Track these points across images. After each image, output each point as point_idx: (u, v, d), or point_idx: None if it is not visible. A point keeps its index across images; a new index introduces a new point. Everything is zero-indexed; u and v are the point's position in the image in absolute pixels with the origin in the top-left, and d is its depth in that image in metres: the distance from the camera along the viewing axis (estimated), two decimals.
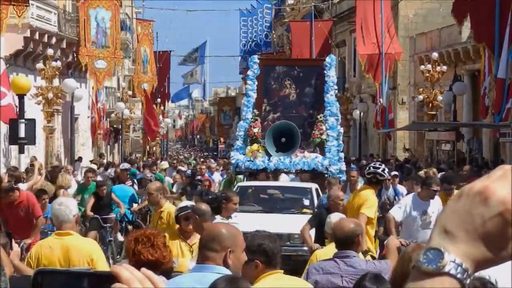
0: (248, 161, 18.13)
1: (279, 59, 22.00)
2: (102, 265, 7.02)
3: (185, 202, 9.41)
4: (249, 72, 19.94)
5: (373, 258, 10.15)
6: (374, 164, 12.82)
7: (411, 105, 41.79)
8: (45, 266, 6.94)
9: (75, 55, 38.03)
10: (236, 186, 17.07)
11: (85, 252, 7.04)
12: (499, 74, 23.71)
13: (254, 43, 64.66)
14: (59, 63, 31.65)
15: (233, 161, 18.85)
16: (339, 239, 6.79)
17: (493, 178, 1.44)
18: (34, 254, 7.19)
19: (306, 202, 16.01)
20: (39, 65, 30.91)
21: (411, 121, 38.82)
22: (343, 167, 18.59)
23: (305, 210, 15.55)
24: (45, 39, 34.07)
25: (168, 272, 6.53)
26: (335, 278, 6.65)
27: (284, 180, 18.92)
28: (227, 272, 4.53)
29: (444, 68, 32.71)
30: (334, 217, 8.18)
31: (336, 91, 19.63)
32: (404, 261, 5.29)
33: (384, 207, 16.87)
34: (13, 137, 22.06)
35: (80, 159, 33.14)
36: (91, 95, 40.79)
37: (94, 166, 25.75)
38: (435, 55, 33.01)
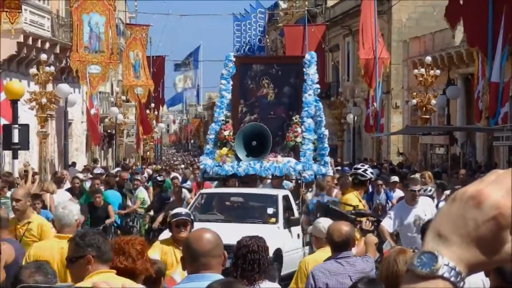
0: (217, 166, 17.01)
1: (256, 57, 20.46)
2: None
3: (179, 209, 8.98)
4: (223, 71, 18.62)
5: None
6: (356, 165, 12.90)
7: (405, 109, 41.85)
8: None
9: (68, 60, 38.00)
10: (198, 193, 16.40)
11: None
12: (492, 78, 23.76)
13: (247, 47, 64.63)
14: (52, 68, 31.63)
15: (201, 166, 17.85)
16: (337, 242, 6.94)
17: (486, 182, 1.45)
18: (33, 256, 7.21)
19: (270, 211, 15.02)
20: (33, 70, 30.87)
21: (405, 125, 38.89)
22: (330, 172, 17.97)
23: (270, 219, 14.76)
24: (39, 44, 34.06)
25: (156, 278, 6.49)
26: (344, 279, 6.81)
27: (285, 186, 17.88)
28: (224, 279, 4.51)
29: (438, 72, 32.74)
30: (324, 222, 8.19)
31: (318, 90, 18.37)
32: (389, 263, 5.30)
33: (376, 211, 16.90)
34: (6, 142, 22.01)
35: (74, 164, 33.10)
36: (85, 100, 40.74)
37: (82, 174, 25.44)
38: (428, 59, 33.05)
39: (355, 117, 43.61)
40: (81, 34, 37.83)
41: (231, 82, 18.04)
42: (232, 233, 9.86)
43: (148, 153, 64.13)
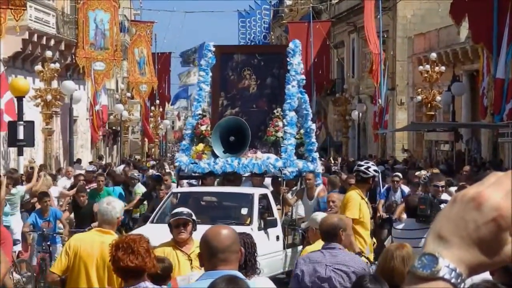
0: (192, 163, 15.87)
1: (238, 46, 19.26)
2: None
3: (181, 208, 8.52)
4: (202, 62, 17.51)
5: (368, 259, 10.18)
6: (360, 162, 12.82)
7: (410, 106, 41.83)
8: (82, 259, 7.19)
9: (73, 57, 38.05)
10: (169, 193, 15.36)
11: None
12: (497, 74, 23.74)
13: (252, 44, 64.68)
14: (57, 65, 31.67)
15: (176, 164, 16.72)
16: (323, 231, 7.15)
17: (486, 184, 1.46)
18: (73, 247, 7.30)
19: (244, 211, 14.01)
20: (38, 67, 30.94)
21: (410, 121, 38.87)
22: (319, 169, 17.03)
23: (246, 220, 13.67)
24: (44, 41, 34.09)
25: (164, 274, 6.52)
26: (319, 267, 6.97)
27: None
28: (242, 276, 4.53)
29: (443, 68, 32.75)
30: (320, 215, 8.46)
31: (303, 81, 17.14)
32: (386, 257, 5.31)
33: (390, 209, 16.86)
34: (12, 139, 22.07)
35: (79, 161, 33.15)
36: (90, 97, 40.81)
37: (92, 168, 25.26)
38: (433, 55, 33.05)
39: (360, 114, 43.60)
40: (87, 31, 37.89)
41: (210, 74, 16.98)
42: (199, 235, 8.96)
43: (153, 149, 64.20)
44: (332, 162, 32.01)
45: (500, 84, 23.71)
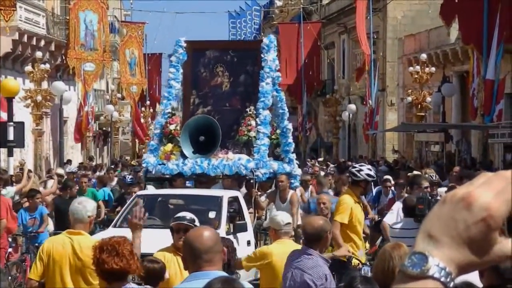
0: (160, 164, 15.07)
1: (210, 42, 18.42)
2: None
3: (184, 213, 8.20)
4: (172, 58, 16.76)
5: (360, 261, 10.17)
6: (355, 164, 12.75)
7: (400, 107, 41.90)
8: (56, 262, 7.19)
9: (63, 57, 37.99)
10: (134, 195, 14.48)
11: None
12: (487, 75, 23.82)
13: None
14: (47, 66, 31.62)
15: (143, 165, 15.86)
16: (308, 234, 7.07)
17: (476, 184, 1.47)
18: (46, 250, 7.31)
19: (212, 214, 13.02)
20: (28, 68, 30.88)
21: (400, 122, 38.93)
22: (297, 171, 16.37)
23: (215, 224, 12.38)
24: (34, 41, 34.03)
25: (157, 275, 6.52)
26: (286, 266, 7.04)
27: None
28: (226, 275, 4.56)
29: (433, 69, 32.82)
30: (282, 215, 8.54)
31: (279, 79, 16.34)
32: (384, 258, 5.31)
33: (381, 212, 16.80)
34: (1, 140, 22.00)
35: (69, 162, 33.09)
36: (80, 98, 40.75)
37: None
38: (423, 56, 33.11)
39: (350, 115, 43.65)
40: (78, 32, 37.85)
41: (181, 71, 16.27)
42: (161, 240, 8.71)
43: (143, 150, 64.09)
44: (324, 166, 31.94)
45: (490, 85, 23.79)
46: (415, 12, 42.76)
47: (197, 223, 7.63)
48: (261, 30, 64.88)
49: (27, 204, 14.96)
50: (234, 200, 13.65)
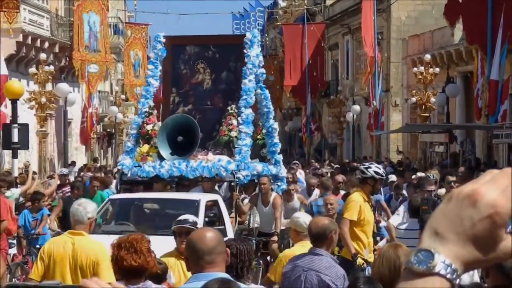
0: (136, 166, 14.16)
1: (191, 37, 17.55)
2: (103, 268, 7.08)
3: (187, 215, 8.03)
4: (150, 54, 15.87)
5: (366, 261, 10.15)
6: (365, 162, 12.70)
7: (404, 107, 41.88)
8: (56, 262, 7.26)
9: (68, 59, 38.03)
10: (107, 199, 13.79)
11: (92, 253, 7.22)
12: (492, 76, 23.79)
13: None
14: (52, 68, 31.66)
15: (119, 167, 15.01)
16: (313, 234, 7.03)
17: (481, 181, 1.48)
18: (47, 251, 7.40)
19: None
20: (32, 70, 30.91)
21: (404, 123, 38.91)
22: (283, 173, 15.64)
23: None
24: (38, 43, 34.07)
25: (160, 276, 6.55)
26: (296, 270, 6.94)
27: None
28: (228, 277, 4.55)
29: (437, 70, 32.77)
30: (305, 217, 8.44)
31: (264, 75, 15.49)
32: (390, 258, 5.29)
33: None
34: (6, 142, 22.02)
35: (73, 163, 33.12)
36: (84, 100, 40.80)
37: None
38: (427, 57, 33.07)
39: (355, 116, 43.62)
40: (82, 33, 37.91)
41: (160, 67, 15.41)
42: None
43: None
44: (325, 165, 31.92)
45: (494, 86, 23.77)
46: (418, 13, 42.73)
47: (199, 226, 7.61)
48: (265, 31, 64.89)
49: (30, 205, 14.99)
50: (213, 204, 12.81)
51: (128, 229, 11.70)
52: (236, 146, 14.30)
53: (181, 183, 14.34)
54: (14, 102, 22.09)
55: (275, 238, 13.51)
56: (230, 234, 12.16)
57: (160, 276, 6.61)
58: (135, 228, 11.73)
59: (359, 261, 10.08)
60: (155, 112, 15.22)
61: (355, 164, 28.91)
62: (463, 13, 25.36)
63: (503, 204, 1.44)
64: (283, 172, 15.67)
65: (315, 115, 52.51)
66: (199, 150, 14.42)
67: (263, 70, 15.43)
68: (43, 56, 31.23)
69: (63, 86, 31.35)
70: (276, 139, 15.61)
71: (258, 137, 15.42)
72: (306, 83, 48.02)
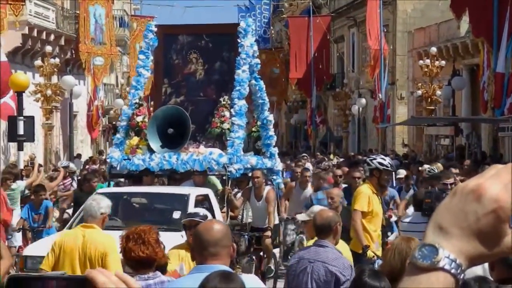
0: (125, 159, 13.75)
1: (183, 26, 16.94)
2: (111, 260, 7.17)
3: (198, 209, 8.05)
4: (142, 44, 15.47)
5: (375, 254, 10.16)
6: (371, 155, 12.63)
7: (410, 100, 41.84)
8: (66, 254, 7.41)
9: (73, 52, 38.06)
10: (94, 193, 12.48)
11: (100, 245, 7.33)
12: (498, 69, 23.74)
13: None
14: (57, 60, 31.68)
15: (108, 160, 14.58)
16: (318, 226, 7.03)
17: (486, 176, 1.48)
18: (58, 242, 7.56)
19: (176, 214, 11.57)
20: (38, 62, 30.94)
21: (410, 116, 38.88)
22: (278, 166, 15.25)
23: (176, 224, 10.66)
24: (43, 36, 34.09)
25: (162, 267, 6.57)
26: (302, 262, 6.92)
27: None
28: (230, 270, 4.55)
29: (443, 63, 32.74)
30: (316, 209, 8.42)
31: (258, 66, 15.04)
32: (401, 250, 5.29)
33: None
34: (12, 134, 22.05)
35: (79, 156, 33.16)
36: (90, 92, 40.84)
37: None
38: (433, 49, 33.03)
39: (360, 109, 43.59)
40: (88, 26, 37.93)
41: (152, 57, 14.98)
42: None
43: None
44: (330, 158, 31.92)
45: (501, 78, 23.72)
46: (424, 5, 42.66)
47: (210, 218, 7.45)
48: (270, 24, 64.83)
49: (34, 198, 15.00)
50: (204, 199, 12.30)
51: (115, 224, 11.35)
52: (228, 138, 13.88)
53: (173, 177, 13.91)
54: (19, 94, 22.12)
55: (268, 233, 13.13)
56: None
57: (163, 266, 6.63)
58: (123, 224, 11.39)
59: (369, 253, 10.08)
60: (145, 103, 15.02)
61: (359, 157, 28.90)
62: (470, 6, 25.30)
63: (507, 199, 1.44)
64: (278, 165, 15.24)
65: (321, 108, 52.49)
66: (191, 143, 14.06)
67: (257, 60, 15.04)
68: (48, 48, 31.25)
69: (69, 78, 31.37)
70: (271, 132, 15.16)
71: (253, 129, 15.10)
72: (311, 75, 48.00)
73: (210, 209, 11.45)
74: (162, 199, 12.58)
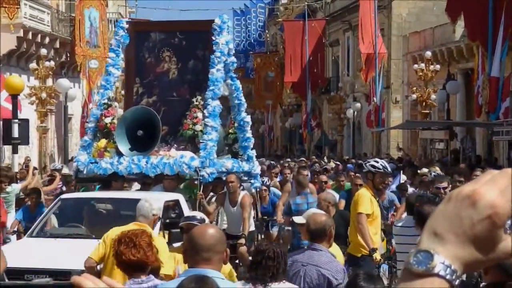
0: (92, 163, 13.19)
1: (155, 23, 16.51)
2: (164, 258, 7.21)
3: (195, 212, 8.12)
4: (112, 41, 14.76)
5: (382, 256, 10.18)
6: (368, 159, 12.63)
7: (405, 104, 41.87)
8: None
9: (68, 54, 38.03)
10: (57, 199, 12.60)
11: None
12: (492, 73, 23.78)
13: (247, 42, 64.68)
14: (52, 63, 31.65)
15: (74, 164, 13.95)
16: (312, 231, 7.02)
17: (481, 182, 1.47)
18: (109, 237, 7.69)
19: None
20: (33, 65, 30.91)
21: (405, 120, 38.92)
22: (256, 170, 14.52)
23: None
24: (38, 39, 34.06)
25: (155, 270, 6.57)
26: (296, 265, 6.92)
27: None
28: (222, 276, 4.55)
29: (438, 67, 32.77)
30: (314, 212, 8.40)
31: (234, 64, 14.39)
32: None
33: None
34: (6, 137, 22.02)
35: (73, 159, 33.10)
36: (84, 95, 40.79)
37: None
38: (428, 54, 33.07)
39: (355, 112, 43.62)
40: (83, 29, 37.92)
41: (122, 56, 14.39)
42: (85, 254, 8.00)
43: None
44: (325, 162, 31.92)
45: (495, 83, 23.76)
46: (419, 9, 42.72)
47: (207, 222, 7.52)
48: (265, 27, 64.87)
49: (29, 202, 14.97)
50: (174, 205, 11.74)
51: (78, 232, 11.09)
52: (201, 141, 13.19)
53: (145, 181, 13.35)
54: (14, 97, 22.08)
55: (242, 241, 12.38)
56: None
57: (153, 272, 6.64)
58: (87, 231, 11.04)
59: (376, 256, 10.10)
60: (114, 104, 14.24)
61: (353, 160, 28.94)
62: (465, 10, 25.35)
63: (502, 205, 1.43)
64: (256, 168, 14.52)
65: (316, 111, 52.52)
66: (162, 146, 13.46)
67: (233, 59, 14.38)
68: (43, 51, 31.20)
69: (64, 81, 31.33)
70: (249, 133, 14.42)
71: (230, 131, 14.48)
72: (306, 79, 48.02)
73: (181, 216, 10.46)
74: (129, 205, 11.52)
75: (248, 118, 14.50)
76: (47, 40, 35.09)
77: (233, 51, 14.45)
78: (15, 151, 22.32)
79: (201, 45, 14.41)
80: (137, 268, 5.79)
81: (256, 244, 6.27)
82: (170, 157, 12.91)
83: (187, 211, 11.27)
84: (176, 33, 14.61)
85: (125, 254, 5.75)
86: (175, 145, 13.54)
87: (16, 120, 21.38)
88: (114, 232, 7.57)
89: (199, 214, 7.84)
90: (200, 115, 13.52)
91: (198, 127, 13.47)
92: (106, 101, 13.99)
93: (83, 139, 14.39)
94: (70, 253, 9.61)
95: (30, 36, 33.09)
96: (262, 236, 15.15)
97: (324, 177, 16.07)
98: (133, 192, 13.19)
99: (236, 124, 14.45)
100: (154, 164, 12.83)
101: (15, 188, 15.16)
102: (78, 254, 8.65)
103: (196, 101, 13.69)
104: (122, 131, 13.14)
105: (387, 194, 12.96)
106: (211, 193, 13.71)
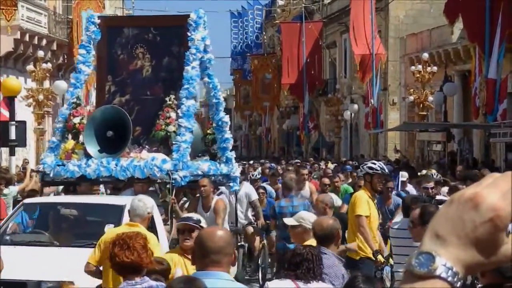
0: (59, 165, 12.45)
1: (128, 18, 15.84)
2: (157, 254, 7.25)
3: (192, 214, 8.10)
4: (83, 37, 14.22)
5: (386, 260, 10.18)
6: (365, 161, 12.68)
7: (402, 106, 41.90)
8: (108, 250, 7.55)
9: (65, 56, 38.02)
10: (20, 204, 11.99)
11: None
12: (489, 75, 23.81)
13: (244, 44, 64.68)
14: (49, 65, 31.63)
15: (40, 166, 13.12)
16: (320, 235, 7.07)
17: (483, 185, 1.48)
18: (104, 239, 7.77)
19: (108, 228, 9.84)
20: (30, 67, 30.89)
21: (402, 121, 38.93)
22: (235, 172, 13.68)
23: None
24: (36, 41, 34.06)
25: (163, 272, 6.58)
26: None
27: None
28: (232, 278, 4.57)
29: (435, 68, 32.80)
30: (308, 215, 8.42)
31: (211, 62, 13.54)
32: None
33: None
34: (3, 139, 22.01)
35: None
36: (82, 97, 40.81)
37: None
38: (425, 55, 33.09)
39: (352, 114, 43.64)
40: (81, 30, 37.91)
41: (93, 52, 13.73)
42: (47, 263, 8.10)
43: None
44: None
45: (492, 85, 23.79)
46: (417, 11, 42.75)
47: (203, 224, 7.30)
48: (263, 29, 64.88)
49: None
50: None
51: (41, 239, 10.62)
52: (174, 142, 12.43)
53: (116, 185, 12.83)
54: (11, 99, 22.08)
55: None
56: (164, 244, 10.09)
57: (163, 275, 6.63)
58: (50, 238, 10.59)
59: (380, 258, 10.11)
60: (83, 103, 13.33)
61: (350, 162, 28.95)
62: (463, 11, 25.38)
63: (504, 208, 1.44)
64: (235, 171, 13.72)
65: (313, 113, 52.56)
66: (134, 147, 12.79)
67: (211, 56, 13.55)
68: (40, 53, 31.20)
69: (61, 83, 31.31)
70: (228, 134, 13.63)
71: (208, 131, 13.80)
72: (304, 81, 48.06)
73: (151, 222, 9.53)
74: (94, 211, 11.32)
75: (226, 118, 13.70)
76: (44, 42, 35.09)
77: (210, 47, 13.60)
78: (12, 153, 22.32)
79: (176, 41, 13.69)
80: (131, 270, 5.82)
81: (294, 248, 6.43)
82: (141, 160, 12.20)
83: (158, 217, 10.60)
84: (150, 28, 13.86)
85: (119, 256, 5.80)
86: (147, 146, 12.87)
87: (13, 122, 21.38)
88: (109, 235, 7.61)
89: (195, 215, 7.75)
90: (173, 115, 12.79)
91: (171, 128, 12.73)
92: (75, 100, 13.38)
93: (51, 140, 13.79)
94: (33, 262, 9.34)
95: (27, 38, 33.09)
96: (265, 241, 15.05)
97: (326, 180, 16.13)
98: (98, 197, 12.70)
99: (214, 124, 13.70)
100: (124, 167, 12.11)
101: (12, 190, 15.16)
102: (36, 263, 8.54)
103: (170, 100, 12.96)
104: (91, 131, 12.46)
105: (393, 198, 13.00)
106: (184, 198, 13.28)
